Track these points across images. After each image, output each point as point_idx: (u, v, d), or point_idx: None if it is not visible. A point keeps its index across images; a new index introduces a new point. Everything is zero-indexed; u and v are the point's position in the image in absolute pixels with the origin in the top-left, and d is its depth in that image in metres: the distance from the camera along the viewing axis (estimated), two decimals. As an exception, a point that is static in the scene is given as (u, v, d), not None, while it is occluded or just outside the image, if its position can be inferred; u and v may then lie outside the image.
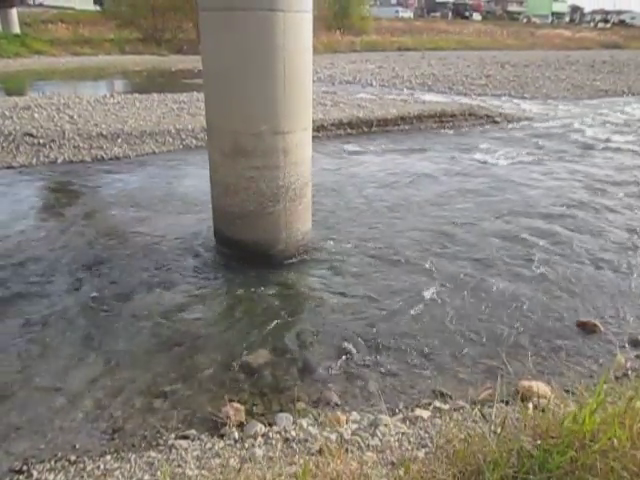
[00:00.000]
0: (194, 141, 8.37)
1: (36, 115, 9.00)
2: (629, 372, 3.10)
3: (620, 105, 14.35)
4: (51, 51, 24.09)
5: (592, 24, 73.52)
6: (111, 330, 3.47)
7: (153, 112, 9.71)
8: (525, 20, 69.92)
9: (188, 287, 4.05)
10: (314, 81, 14.43)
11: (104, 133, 8.09)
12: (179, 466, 2.21)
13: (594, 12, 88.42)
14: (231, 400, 2.75)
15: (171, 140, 8.29)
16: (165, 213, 5.57)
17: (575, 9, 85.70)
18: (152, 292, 3.96)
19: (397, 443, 2.33)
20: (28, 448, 2.46)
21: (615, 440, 1.67)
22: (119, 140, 8.00)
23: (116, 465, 2.25)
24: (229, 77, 4.03)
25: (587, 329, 3.65)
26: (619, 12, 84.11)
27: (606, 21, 77.76)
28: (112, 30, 27.74)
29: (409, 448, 2.27)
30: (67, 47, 24.94)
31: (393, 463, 2.10)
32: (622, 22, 76.02)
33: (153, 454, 2.32)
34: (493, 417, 2.14)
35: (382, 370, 3.14)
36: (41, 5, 35.71)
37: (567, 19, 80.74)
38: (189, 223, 5.27)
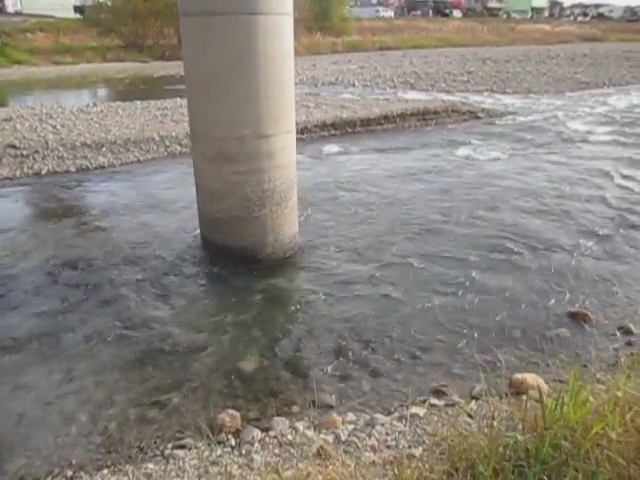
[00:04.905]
0: (178, 148, 8.33)
1: (18, 126, 8.91)
2: (621, 360, 3.13)
3: (601, 97, 14.51)
4: (31, 60, 23.86)
5: (571, 18, 74.28)
6: (102, 341, 3.44)
7: (136, 120, 9.66)
8: (505, 16, 70.44)
9: (177, 295, 4.03)
10: (296, 83, 14.43)
11: (88, 142, 8.02)
12: (177, 476, 2.19)
13: (573, 6, 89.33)
14: (226, 407, 2.75)
15: (155, 147, 8.24)
16: (152, 221, 5.53)
17: (554, 4, 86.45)
18: (141, 301, 3.93)
19: (394, 442, 2.33)
20: (23, 466, 2.43)
21: (608, 428, 1.69)
22: (103, 149, 7.94)
23: (113, 479, 2.23)
24: (211, 82, 4.02)
25: (578, 319, 3.69)
26: (597, 5, 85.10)
27: (585, 14, 78.65)
28: (93, 38, 27.53)
29: (406, 446, 2.27)
30: (48, 56, 24.71)
31: (391, 462, 2.10)
32: (600, 15, 76.97)
33: (151, 465, 2.31)
34: (486, 412, 2.15)
35: (376, 369, 3.15)
36: (19, 14, 35.31)
37: (547, 14, 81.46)
38: (176, 230, 5.24)
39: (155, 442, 2.53)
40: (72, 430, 2.65)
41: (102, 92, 17.05)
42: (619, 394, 1.82)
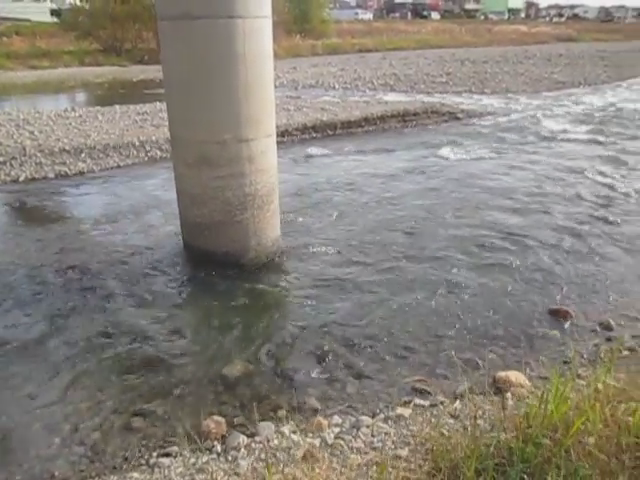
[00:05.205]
0: (159, 152, 8.26)
1: (-6, 133, 8.76)
2: (601, 355, 3.18)
3: (577, 96, 14.75)
4: (7, 65, 23.43)
5: (547, 19, 75.37)
6: (83, 349, 3.39)
7: (116, 124, 9.56)
8: (482, 17, 71.24)
9: (160, 302, 4.00)
10: (277, 86, 14.43)
11: (67, 148, 7.92)
12: (162, 484, 2.17)
13: (549, 7, 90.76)
14: (211, 413, 2.73)
15: (135, 152, 8.17)
16: (133, 227, 5.48)
17: (530, 5, 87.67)
18: (123, 309, 3.89)
19: (380, 443, 2.34)
20: None
21: (589, 424, 1.71)
22: (82, 155, 7.84)
23: (97, 489, 2.20)
24: (190, 86, 4.00)
25: (559, 316, 3.74)
26: (572, 6, 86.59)
27: (560, 15, 79.93)
28: (70, 42, 27.13)
29: (392, 447, 2.28)
30: (24, 60, 24.30)
31: (377, 464, 2.10)
32: (576, 15, 78.32)
33: (136, 475, 2.28)
34: (470, 411, 2.17)
35: (360, 371, 3.16)
36: (-6, 18, 34.71)
37: (523, 15, 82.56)
38: (158, 236, 5.20)
39: (140, 451, 2.51)
40: (55, 441, 2.61)
41: (81, 97, 16.83)
42: (599, 389, 1.85)
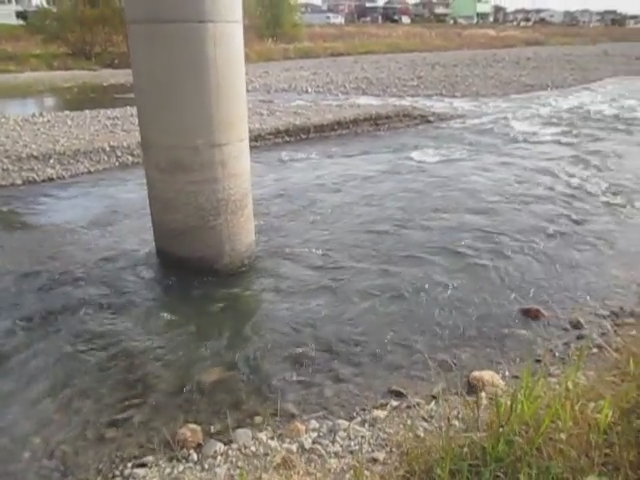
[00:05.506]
0: (130, 158, 8.14)
1: (-42, 139, 8.53)
2: (572, 352, 3.25)
3: (545, 98, 15.08)
4: (-29, 69, 22.84)
5: (515, 23, 76.96)
6: (55, 360, 3.32)
7: (86, 130, 9.40)
8: (452, 21, 72.31)
9: (133, 309, 3.94)
10: (249, 90, 14.37)
11: (35, 154, 7.74)
12: (137, 496, 2.14)
13: (516, 11, 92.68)
14: (187, 421, 2.70)
15: (106, 158, 8.04)
16: (104, 234, 5.39)
17: (498, 9, 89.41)
18: (95, 317, 3.81)
19: (357, 447, 2.34)
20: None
21: (559, 422, 1.75)
22: (51, 161, 7.68)
23: (69, 503, 2.16)
24: (161, 91, 3.96)
25: (530, 315, 3.81)
26: (539, 10, 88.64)
27: (528, 19, 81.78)
28: (38, 45, 26.56)
29: (369, 451, 2.29)
30: (-11, 64, 23.72)
31: (354, 467, 2.11)
32: (542, 20, 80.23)
33: (109, 486, 2.24)
34: (443, 412, 2.19)
35: (337, 375, 3.16)
36: (-44, 21, 33.79)
37: (491, 19, 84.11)
38: (130, 243, 5.12)
39: (114, 462, 2.47)
40: (24, 455, 2.54)
41: (49, 101, 16.51)
42: (569, 387, 1.88)
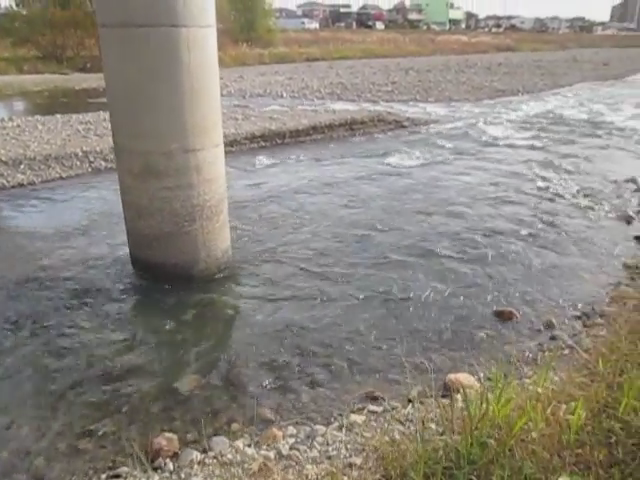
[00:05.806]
0: (103, 163, 8.03)
1: None
2: (544, 353, 3.31)
3: (517, 103, 15.36)
4: None
5: (486, 29, 78.29)
6: (25, 370, 3.24)
7: (58, 134, 9.23)
8: (425, 27, 73.24)
9: (106, 316, 3.87)
10: (224, 95, 14.33)
11: (4, 159, 7.57)
12: (111, 508, 2.10)
13: (488, 18, 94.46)
14: (162, 430, 2.67)
15: (79, 163, 7.91)
16: (77, 240, 5.29)
17: (470, 16, 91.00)
18: (67, 326, 3.74)
19: (335, 452, 2.34)
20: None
21: (531, 423, 1.77)
22: (22, 166, 7.52)
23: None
24: (134, 96, 3.92)
25: (504, 317, 3.87)
26: (510, 17, 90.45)
27: (499, 26, 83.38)
28: (6, 48, 26.01)
29: (347, 455, 2.29)
30: (-46, 68, 23.13)
31: (332, 473, 2.11)
32: (513, 26, 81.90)
33: (82, 499, 2.20)
34: (418, 415, 2.21)
35: (314, 380, 3.16)
36: None
37: (463, 25, 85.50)
38: (103, 249, 5.05)
39: (87, 474, 2.41)
40: (-6, 469, 2.48)
41: (19, 106, 16.16)
42: (539, 390, 1.92)
